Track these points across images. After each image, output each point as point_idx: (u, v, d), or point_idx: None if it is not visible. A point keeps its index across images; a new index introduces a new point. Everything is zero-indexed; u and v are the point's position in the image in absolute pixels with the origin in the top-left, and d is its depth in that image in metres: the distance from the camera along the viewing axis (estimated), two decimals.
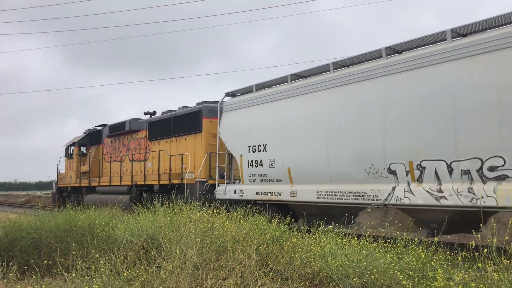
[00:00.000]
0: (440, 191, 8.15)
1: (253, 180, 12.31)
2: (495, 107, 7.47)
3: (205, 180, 14.52)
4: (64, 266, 5.90)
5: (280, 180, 11.50)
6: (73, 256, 6.11)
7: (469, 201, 7.65)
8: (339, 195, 9.90)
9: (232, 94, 13.91)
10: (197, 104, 16.22)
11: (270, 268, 5.83)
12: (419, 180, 8.52)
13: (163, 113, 18.84)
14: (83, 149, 23.92)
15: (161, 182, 16.46)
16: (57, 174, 26.27)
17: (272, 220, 7.93)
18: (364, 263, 5.67)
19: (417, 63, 8.86)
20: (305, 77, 11.54)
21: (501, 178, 7.39)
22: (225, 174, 13.68)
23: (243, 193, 12.53)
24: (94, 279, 4.81)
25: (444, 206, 8.09)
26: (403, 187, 8.72)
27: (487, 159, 7.62)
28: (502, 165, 7.39)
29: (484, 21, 8.12)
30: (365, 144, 9.31)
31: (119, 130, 20.79)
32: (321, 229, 7.75)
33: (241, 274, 5.42)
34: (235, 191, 12.83)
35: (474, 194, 7.63)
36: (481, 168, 7.67)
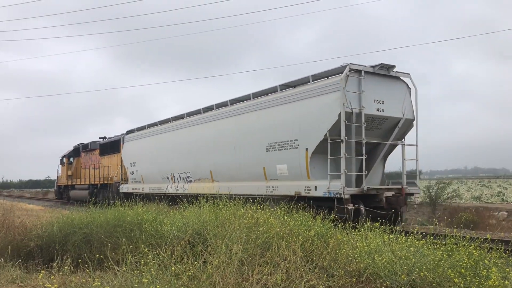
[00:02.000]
0: (177, 187, 18.44)
1: (132, 182, 22.94)
2: (186, 151, 18.03)
3: (119, 181, 24.90)
4: (114, 260, 6.08)
5: (140, 182, 22.06)
6: (123, 250, 6.29)
7: (183, 191, 17.78)
8: (155, 189, 20.36)
9: (131, 131, 23.96)
10: (122, 134, 25.86)
11: (316, 264, 5.79)
12: (174, 181, 18.90)
13: (108, 138, 29.73)
14: (71, 159, 35.05)
15: (100, 182, 28.18)
16: (57, 176, 38.64)
17: (317, 217, 7.88)
18: (413, 260, 5.53)
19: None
20: (157, 124, 21.12)
21: (190, 181, 17.61)
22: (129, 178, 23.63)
23: (128, 188, 23.21)
24: (143, 273, 4.94)
25: (177, 194, 17.89)
26: (169, 185, 19.18)
27: (187, 172, 17.82)
28: (190, 176, 17.63)
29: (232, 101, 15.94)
30: (162, 165, 19.87)
31: (86, 148, 32.41)
32: (367, 225, 7.66)
33: (286, 270, 5.41)
34: (125, 187, 23.59)
35: (184, 188, 17.85)
36: (186, 176, 17.86)
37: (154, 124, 21.28)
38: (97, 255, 6.33)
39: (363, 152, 11.43)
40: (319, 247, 6.49)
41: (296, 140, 12.37)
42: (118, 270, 5.29)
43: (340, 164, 11.16)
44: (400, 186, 12.10)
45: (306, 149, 11.98)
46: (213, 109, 16.67)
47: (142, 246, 6.35)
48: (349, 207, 10.72)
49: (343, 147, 11.00)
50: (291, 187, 12.39)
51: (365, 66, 11.81)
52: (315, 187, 11.69)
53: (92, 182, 29.41)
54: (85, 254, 6.82)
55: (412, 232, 6.91)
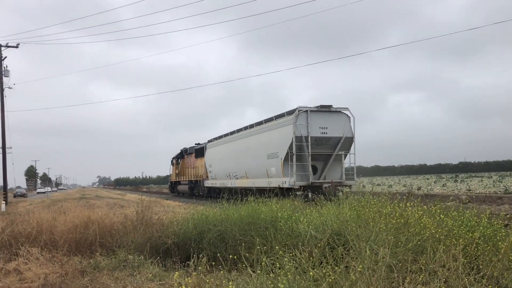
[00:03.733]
0: (231, 183, 28.66)
1: (210, 179, 33.33)
2: (235, 157, 28.53)
3: (204, 178, 35.17)
4: (249, 260, 6.22)
5: (214, 178, 32.42)
6: (257, 251, 6.41)
7: (234, 185, 27.86)
8: (222, 184, 30.29)
9: (210, 140, 34.18)
10: (205, 142, 36.18)
11: (483, 274, 5.24)
12: (230, 178, 28.90)
13: (200, 144, 38.69)
14: (179, 160, 46.14)
15: (194, 179, 39.13)
16: (170, 174, 51.37)
17: (481, 216, 7.17)
18: None
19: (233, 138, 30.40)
20: (222, 137, 32.07)
21: (238, 178, 27.68)
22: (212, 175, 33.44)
23: (208, 183, 33.90)
24: (279, 278, 4.94)
25: (232, 187, 27.91)
26: (227, 181, 29.37)
27: (235, 172, 27.98)
28: (237, 174, 27.89)
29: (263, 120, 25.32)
30: (224, 166, 30.25)
31: (186, 152, 43.03)
32: None
33: (446, 279, 4.98)
34: (207, 183, 34.13)
35: (235, 183, 27.94)
36: (235, 175, 28.15)
37: (220, 137, 32.10)
38: (231, 256, 6.54)
39: (309, 160, 19.90)
40: (486, 252, 5.87)
41: (277, 152, 21.42)
42: (252, 273, 5.38)
43: (298, 167, 19.94)
44: (331, 180, 20.30)
45: (281, 158, 20.85)
46: (248, 128, 26.56)
47: (277, 247, 6.37)
48: (298, 193, 18.38)
49: (294, 158, 19.79)
50: (277, 181, 21.44)
51: (310, 107, 20.46)
52: (285, 181, 20.57)
53: (190, 179, 40.93)
54: (220, 254, 7.10)
55: None
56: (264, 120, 24.22)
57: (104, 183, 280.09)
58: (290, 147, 19.90)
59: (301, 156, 20.00)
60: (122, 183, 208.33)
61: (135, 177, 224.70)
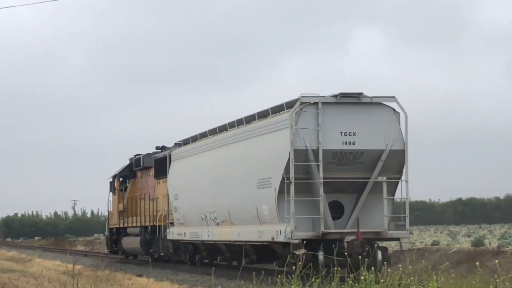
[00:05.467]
0: (209, 232, 17.91)
1: (177, 224, 20.73)
2: (211, 181, 17.91)
3: (169, 221, 21.09)
4: None
5: (183, 224, 20.11)
6: None
7: (212, 237, 17.68)
8: (193, 235, 19.29)
9: (179, 144, 21.18)
10: (172, 146, 21.75)
11: None
12: (207, 224, 18.18)
13: (163, 149, 23.88)
14: (127, 182, 27.52)
15: (151, 223, 23.28)
16: (108, 212, 30.10)
17: None
18: None
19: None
20: (198, 138, 19.47)
21: (218, 223, 17.20)
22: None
23: (173, 234, 20.64)
24: None
25: (209, 241, 18.34)
26: (207, 229, 18.19)
27: (214, 211, 17.36)
28: (216, 216, 17.21)
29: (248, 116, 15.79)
30: (198, 200, 18.95)
31: (140, 165, 25.21)
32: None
33: None
34: (171, 232, 20.82)
35: (213, 233, 17.40)
36: (214, 217, 17.42)
37: (195, 138, 19.86)
38: None
39: (321, 191, 12.82)
40: None
41: (270, 178, 13.77)
42: None
43: (301, 204, 12.91)
44: (356, 230, 12.77)
45: (275, 188, 13.39)
46: (235, 127, 16.72)
47: None
48: (297, 253, 12.11)
49: (291, 187, 12.69)
50: (270, 231, 13.84)
51: (323, 97, 13.36)
52: (279, 231, 13.20)
53: (144, 224, 24.21)
54: None
55: None
56: (257, 113, 15.51)
57: None
58: (286, 168, 12.83)
59: (308, 185, 12.98)
60: (21, 231, 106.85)
61: (54, 213, 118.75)
